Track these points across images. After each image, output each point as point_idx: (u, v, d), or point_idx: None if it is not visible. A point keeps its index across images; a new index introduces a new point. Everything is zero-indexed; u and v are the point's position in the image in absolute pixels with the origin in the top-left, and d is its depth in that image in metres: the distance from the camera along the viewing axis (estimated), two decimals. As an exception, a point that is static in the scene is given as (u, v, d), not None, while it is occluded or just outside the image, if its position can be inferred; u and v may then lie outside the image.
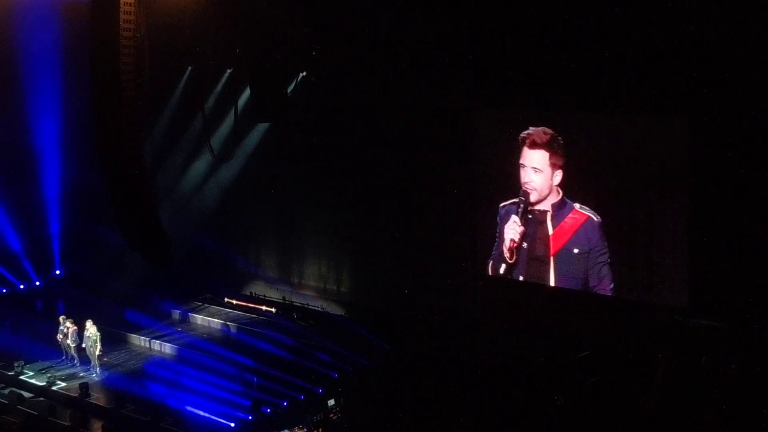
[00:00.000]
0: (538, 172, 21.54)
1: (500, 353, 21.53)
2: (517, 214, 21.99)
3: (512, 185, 22.22)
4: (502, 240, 22.51)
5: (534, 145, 21.50)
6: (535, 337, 21.49)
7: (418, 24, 21.90)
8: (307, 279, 27.22)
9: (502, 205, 22.50)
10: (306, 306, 26.75)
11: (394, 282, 24.78)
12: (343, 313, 26.01)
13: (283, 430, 19.26)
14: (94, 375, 23.10)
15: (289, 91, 23.46)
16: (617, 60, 19.26)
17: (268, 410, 20.63)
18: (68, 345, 23.49)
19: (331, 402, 20.06)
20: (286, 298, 27.32)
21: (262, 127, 26.08)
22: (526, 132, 21.58)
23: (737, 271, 18.81)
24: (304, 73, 24.81)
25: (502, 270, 22.60)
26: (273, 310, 26.93)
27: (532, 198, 21.74)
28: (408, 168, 23.70)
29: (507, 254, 22.36)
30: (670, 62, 18.66)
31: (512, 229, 22.16)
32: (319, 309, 26.47)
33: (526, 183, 21.77)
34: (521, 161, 21.78)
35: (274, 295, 27.75)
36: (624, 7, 18.89)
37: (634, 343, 20.25)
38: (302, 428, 19.27)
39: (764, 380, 17.81)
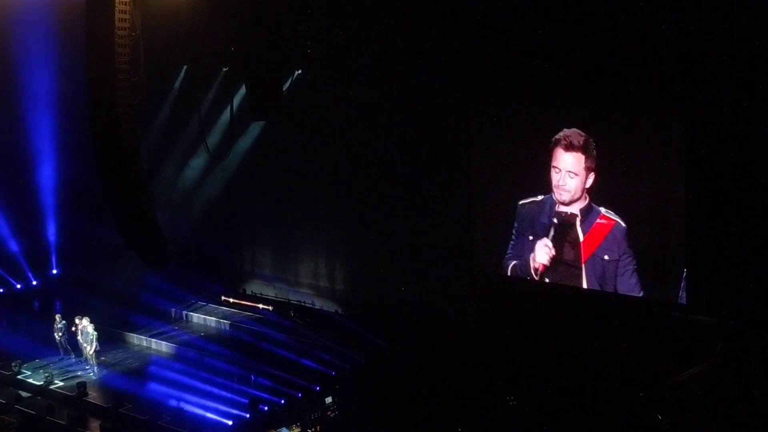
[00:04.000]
0: (573, 176, 21.11)
1: (496, 350, 21.58)
2: (548, 236, 21.71)
3: (509, 182, 22.25)
4: (525, 245, 22.26)
5: (571, 148, 20.99)
6: (532, 335, 21.52)
7: (414, 21, 21.91)
8: (304, 277, 27.25)
9: (521, 203, 22.25)
10: (303, 304, 26.78)
11: (390, 280, 24.80)
12: (340, 311, 26.04)
13: (280, 428, 19.29)
14: (91, 374, 23.13)
15: (284, 89, 23.44)
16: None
17: (266, 408, 20.66)
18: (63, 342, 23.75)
19: (329, 399, 20.11)
20: (278, 295, 27.36)
21: (257, 125, 26.08)
22: (561, 133, 21.07)
23: (735, 268, 18.85)
24: (300, 71, 24.83)
25: (528, 277, 22.34)
26: (270, 308, 26.97)
27: (564, 198, 21.37)
28: (404, 165, 23.73)
29: (534, 273, 22.13)
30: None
31: (544, 254, 21.84)
32: (316, 307, 26.50)
33: (560, 186, 21.33)
34: (555, 163, 21.32)
35: (270, 293, 27.79)
36: (627, 3, 18.96)
37: (631, 340, 20.31)
38: (300, 426, 19.31)
39: (762, 377, 17.88)
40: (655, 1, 18.59)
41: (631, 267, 20.69)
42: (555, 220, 21.66)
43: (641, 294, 20.62)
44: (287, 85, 24.59)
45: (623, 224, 20.70)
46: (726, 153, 18.52)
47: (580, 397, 18.91)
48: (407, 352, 22.63)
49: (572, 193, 21.27)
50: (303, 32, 23.83)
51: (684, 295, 19.90)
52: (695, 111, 18.88)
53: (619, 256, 20.82)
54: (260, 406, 20.56)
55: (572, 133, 21.03)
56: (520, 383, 19.92)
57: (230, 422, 20.05)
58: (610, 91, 19.66)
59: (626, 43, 19.06)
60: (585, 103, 20.48)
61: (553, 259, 21.72)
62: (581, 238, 21.36)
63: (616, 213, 20.77)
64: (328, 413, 19.83)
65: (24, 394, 22.22)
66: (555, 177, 21.45)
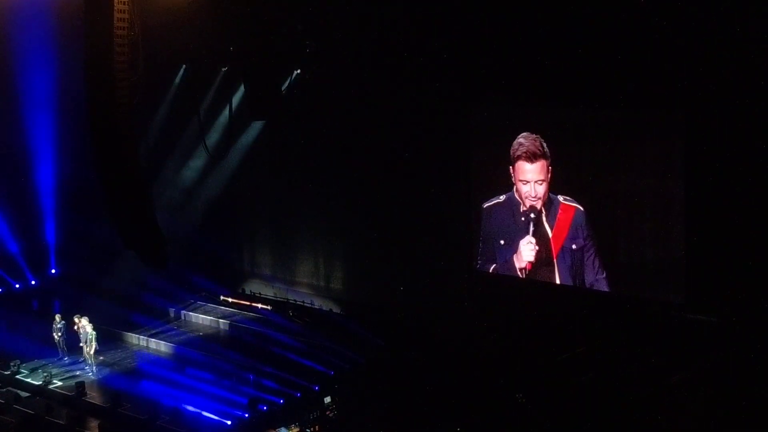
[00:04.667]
0: (542, 183, 21.35)
1: (495, 349, 21.58)
2: (528, 232, 21.67)
3: (508, 181, 22.25)
4: (496, 248, 22.31)
5: (534, 158, 21.27)
6: (530, 334, 21.52)
7: (412, 20, 21.90)
8: (302, 276, 27.24)
9: (486, 205, 22.44)
10: (301, 303, 26.78)
11: (389, 279, 24.79)
12: (339, 311, 26.04)
13: (279, 427, 19.30)
14: (90, 374, 23.13)
15: (283, 88, 23.47)
16: (611, 54, 19.24)
17: (265, 408, 20.66)
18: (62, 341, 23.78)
19: (328, 399, 20.11)
20: (277, 295, 27.37)
21: (256, 125, 26.07)
22: (520, 147, 21.39)
23: (734, 267, 18.83)
24: (299, 71, 24.81)
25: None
26: (269, 307, 26.96)
27: (537, 206, 21.52)
28: (402, 164, 23.71)
29: (520, 273, 22.08)
30: (662, 55, 18.66)
31: (529, 250, 21.78)
32: (315, 306, 26.50)
33: (533, 197, 21.47)
34: (522, 177, 21.54)
35: (269, 292, 27.79)
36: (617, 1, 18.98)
37: (630, 339, 20.30)
38: (298, 426, 19.32)
39: (761, 375, 17.88)
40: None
41: (593, 252, 20.89)
42: (523, 219, 21.78)
43: (604, 275, 20.75)
44: (286, 84, 24.59)
45: (582, 208, 20.89)
46: (726, 151, 18.50)
47: (578, 397, 18.90)
48: (406, 352, 22.62)
49: (542, 198, 21.49)
50: (302, 32, 23.80)
51: (682, 294, 19.90)
52: (695, 108, 18.86)
53: (584, 242, 21.00)
54: (259, 406, 20.56)
55: (528, 142, 21.33)
56: (520, 383, 19.92)
57: (229, 422, 20.04)
58: (607, 89, 19.63)
59: (623, 41, 19.04)
60: (583, 101, 20.47)
61: (538, 255, 21.75)
62: (550, 233, 21.52)
63: (575, 199, 21.00)
64: (327, 413, 19.82)
65: (23, 393, 22.21)
66: (524, 189, 21.64)
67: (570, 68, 19.90)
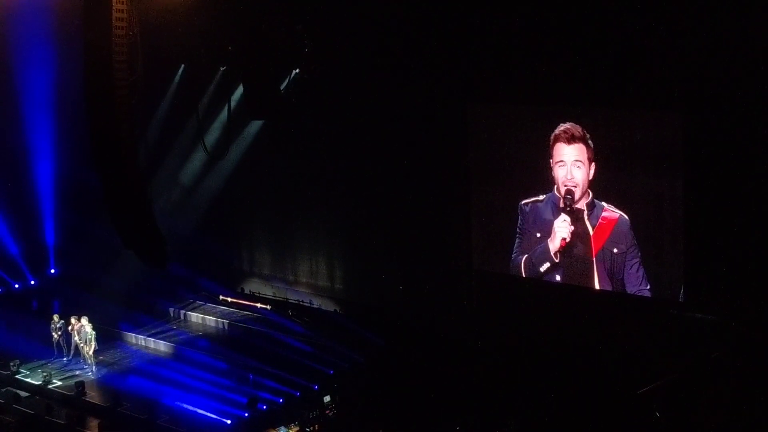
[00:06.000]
0: (580, 166, 20.90)
1: (495, 349, 21.59)
2: (565, 211, 21.20)
3: (508, 181, 22.24)
4: (533, 241, 22.00)
5: (573, 140, 20.87)
6: (530, 333, 21.52)
7: (412, 19, 21.91)
8: (302, 276, 27.24)
9: (524, 202, 22.08)
10: (301, 303, 26.78)
11: (389, 279, 24.79)
12: (338, 310, 26.03)
13: (279, 426, 19.30)
14: (89, 373, 23.14)
15: (282, 88, 23.46)
16: (619, 54, 19.22)
17: (264, 407, 20.65)
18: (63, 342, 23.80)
19: (327, 398, 20.11)
20: (277, 294, 27.37)
21: (255, 124, 26.07)
22: (559, 129, 21.02)
23: (733, 265, 18.82)
24: (297, 71, 24.79)
25: (543, 268, 21.86)
26: (268, 307, 26.96)
27: (576, 195, 21.09)
28: (402, 164, 23.70)
29: (554, 256, 21.68)
30: (671, 56, 18.64)
31: (563, 228, 21.33)
32: (315, 306, 26.49)
33: (568, 180, 21.06)
34: (559, 159, 21.13)
35: (268, 292, 27.79)
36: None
37: (629, 338, 20.30)
38: (298, 425, 19.32)
39: (761, 374, 17.88)
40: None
41: (638, 260, 20.58)
42: (561, 213, 21.45)
43: (648, 287, 20.44)
44: (285, 84, 24.56)
45: (627, 217, 20.63)
46: (725, 150, 18.48)
47: (576, 396, 18.91)
48: (406, 351, 22.62)
49: (580, 187, 21.04)
50: (300, 31, 23.78)
51: (682, 292, 19.88)
52: (693, 107, 18.85)
53: (627, 249, 20.70)
54: (258, 405, 20.56)
55: (570, 126, 20.96)
56: (518, 382, 19.93)
57: (229, 421, 20.05)
58: (608, 87, 19.62)
59: (623, 39, 19.02)
60: (583, 101, 20.46)
61: (573, 234, 21.32)
62: (591, 231, 21.20)
63: (618, 208, 20.71)
64: (327, 412, 19.82)
65: (23, 393, 22.21)
66: (561, 172, 21.21)
67: (570, 68, 19.89)
